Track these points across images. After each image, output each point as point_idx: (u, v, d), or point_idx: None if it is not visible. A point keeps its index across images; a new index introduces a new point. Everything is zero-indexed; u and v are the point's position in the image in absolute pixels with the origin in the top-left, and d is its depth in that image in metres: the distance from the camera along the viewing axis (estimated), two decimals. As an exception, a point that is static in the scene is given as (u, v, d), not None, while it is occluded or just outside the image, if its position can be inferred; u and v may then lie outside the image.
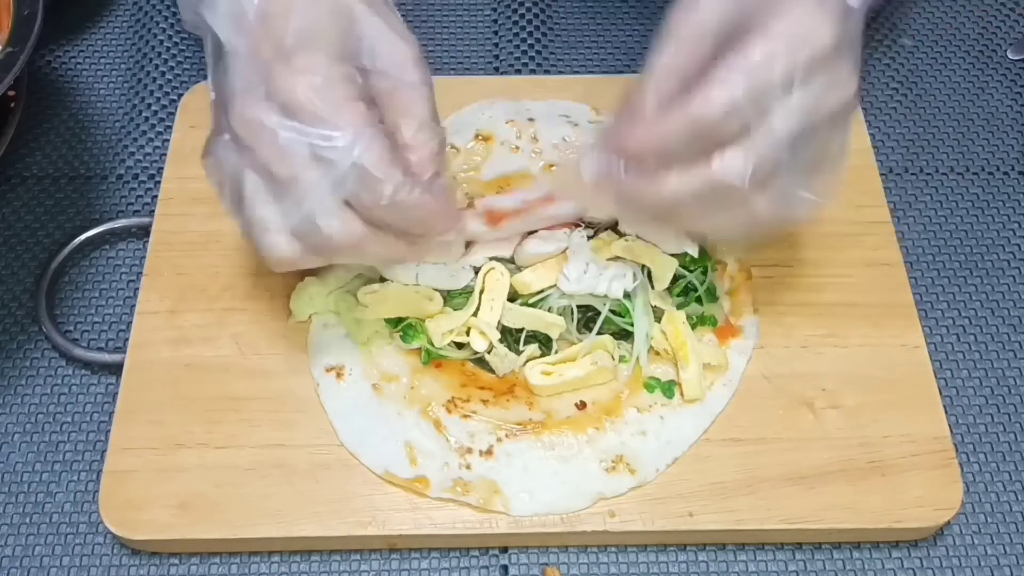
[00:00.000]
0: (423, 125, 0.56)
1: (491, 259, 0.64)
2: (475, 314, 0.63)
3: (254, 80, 0.52)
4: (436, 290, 0.64)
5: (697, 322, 0.65)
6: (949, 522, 0.61)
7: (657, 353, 0.64)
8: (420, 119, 0.55)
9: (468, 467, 0.61)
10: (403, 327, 0.64)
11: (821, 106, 0.52)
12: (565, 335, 0.64)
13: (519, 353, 0.63)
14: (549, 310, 0.64)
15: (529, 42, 0.84)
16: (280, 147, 0.52)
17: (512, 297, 0.64)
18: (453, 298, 0.64)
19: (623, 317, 0.64)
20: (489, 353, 0.63)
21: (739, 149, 0.52)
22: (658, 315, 0.64)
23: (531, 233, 0.65)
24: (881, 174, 0.74)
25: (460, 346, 0.64)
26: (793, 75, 0.51)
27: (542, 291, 0.64)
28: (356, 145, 0.51)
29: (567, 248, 0.64)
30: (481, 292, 0.64)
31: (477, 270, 0.64)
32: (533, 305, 0.64)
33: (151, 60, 0.82)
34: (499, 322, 0.63)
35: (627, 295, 0.64)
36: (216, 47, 0.54)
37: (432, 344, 0.63)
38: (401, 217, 0.54)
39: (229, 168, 0.54)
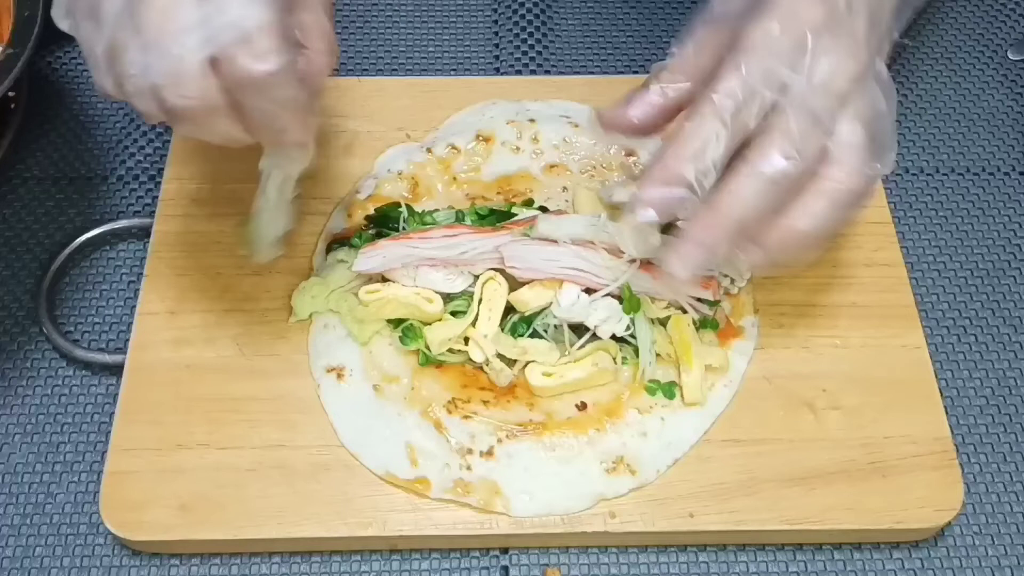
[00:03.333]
0: (323, 29, 0.54)
1: (489, 268, 0.64)
2: (473, 324, 0.63)
3: None
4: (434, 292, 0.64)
5: (700, 324, 0.65)
6: (950, 523, 0.61)
7: (659, 355, 0.64)
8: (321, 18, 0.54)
9: (469, 468, 0.61)
10: (403, 328, 0.64)
11: (833, 81, 0.54)
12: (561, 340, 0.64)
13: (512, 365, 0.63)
14: (546, 328, 0.64)
15: (529, 43, 0.84)
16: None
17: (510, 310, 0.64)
18: (452, 299, 0.64)
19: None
20: (487, 365, 0.63)
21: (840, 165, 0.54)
22: (662, 319, 0.64)
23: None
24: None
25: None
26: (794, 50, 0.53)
27: (540, 308, 0.64)
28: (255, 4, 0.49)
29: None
30: (479, 302, 0.64)
31: (476, 276, 0.64)
32: (530, 320, 0.64)
33: (151, 61, 0.82)
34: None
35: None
36: None
37: (429, 349, 0.63)
38: (262, 103, 0.51)
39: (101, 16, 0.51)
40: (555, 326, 0.64)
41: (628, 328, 0.63)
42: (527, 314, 0.64)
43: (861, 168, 0.55)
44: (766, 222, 0.55)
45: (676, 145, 0.54)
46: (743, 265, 0.62)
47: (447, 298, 0.64)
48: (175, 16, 0.49)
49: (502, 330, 0.64)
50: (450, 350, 0.64)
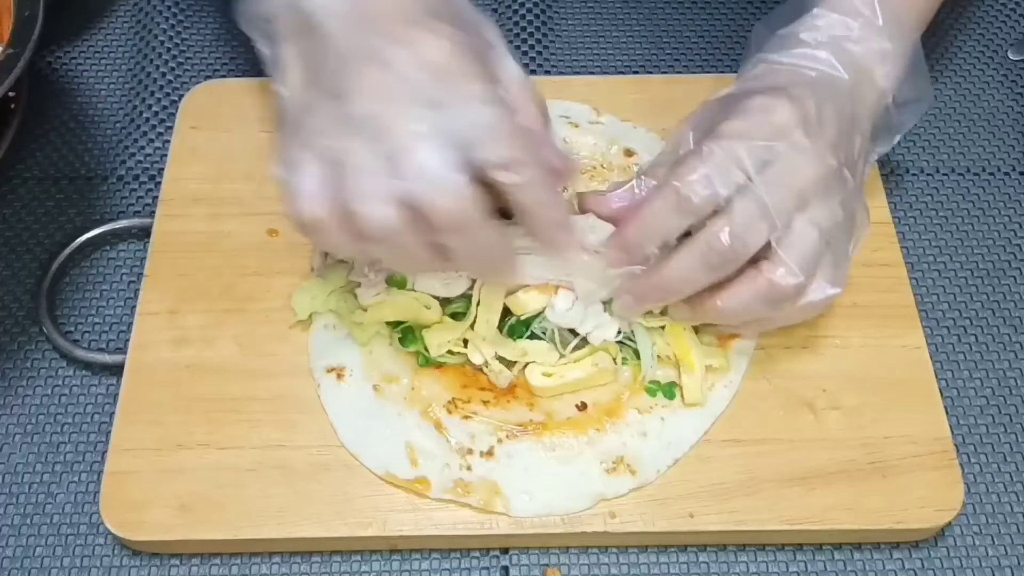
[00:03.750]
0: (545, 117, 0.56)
1: None
2: (472, 326, 0.63)
3: (370, 44, 0.50)
4: (433, 296, 0.63)
5: (699, 325, 0.65)
6: (950, 523, 0.61)
7: (659, 356, 0.64)
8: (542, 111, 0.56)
9: (469, 468, 0.61)
10: (402, 330, 0.64)
11: (791, 179, 0.56)
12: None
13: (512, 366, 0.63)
14: (543, 331, 0.63)
15: (529, 43, 0.84)
16: (401, 104, 0.49)
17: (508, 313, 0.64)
18: (451, 302, 0.64)
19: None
20: (486, 367, 0.63)
21: (781, 254, 0.57)
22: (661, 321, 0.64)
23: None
24: (881, 174, 0.74)
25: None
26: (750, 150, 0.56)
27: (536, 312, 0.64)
28: (494, 103, 0.50)
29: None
30: (477, 304, 0.63)
31: (474, 279, 0.64)
32: (528, 322, 0.64)
33: (151, 61, 0.82)
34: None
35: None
36: (299, 26, 0.52)
37: (427, 351, 0.63)
38: (525, 200, 0.53)
39: (320, 147, 0.51)
40: (552, 329, 0.63)
41: (619, 333, 0.63)
42: (523, 317, 0.64)
43: (794, 271, 0.57)
44: (699, 293, 0.59)
45: (639, 220, 0.59)
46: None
47: (445, 301, 0.64)
48: (408, 120, 0.49)
49: (500, 332, 0.64)
50: (449, 352, 0.64)
